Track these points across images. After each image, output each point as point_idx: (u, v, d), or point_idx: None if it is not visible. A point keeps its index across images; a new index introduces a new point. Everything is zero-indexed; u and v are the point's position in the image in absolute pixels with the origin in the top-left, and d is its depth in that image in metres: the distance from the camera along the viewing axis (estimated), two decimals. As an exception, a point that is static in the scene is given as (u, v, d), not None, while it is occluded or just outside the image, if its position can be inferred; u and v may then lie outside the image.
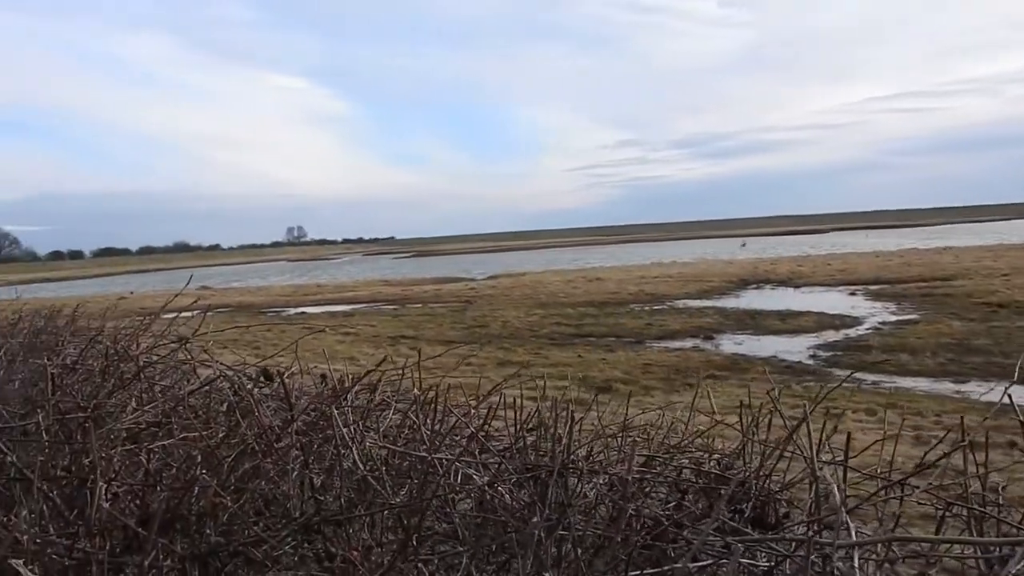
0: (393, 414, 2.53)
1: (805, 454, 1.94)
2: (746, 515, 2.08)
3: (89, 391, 2.80)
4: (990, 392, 13.36)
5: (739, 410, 2.48)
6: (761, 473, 2.21)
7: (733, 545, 1.58)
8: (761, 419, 2.44)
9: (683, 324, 23.42)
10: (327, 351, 21.91)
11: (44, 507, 2.03)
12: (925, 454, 2.20)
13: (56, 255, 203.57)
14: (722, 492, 2.19)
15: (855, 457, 2.17)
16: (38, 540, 1.71)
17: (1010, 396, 2.20)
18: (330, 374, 2.88)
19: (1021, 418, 1.99)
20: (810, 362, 17.15)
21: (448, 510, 2.22)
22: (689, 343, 20.47)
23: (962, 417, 2.35)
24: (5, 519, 1.87)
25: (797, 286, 34.23)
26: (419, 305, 35.05)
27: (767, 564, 1.75)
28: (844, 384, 14.27)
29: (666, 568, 1.75)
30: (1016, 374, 2.18)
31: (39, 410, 2.40)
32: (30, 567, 1.37)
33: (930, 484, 2.09)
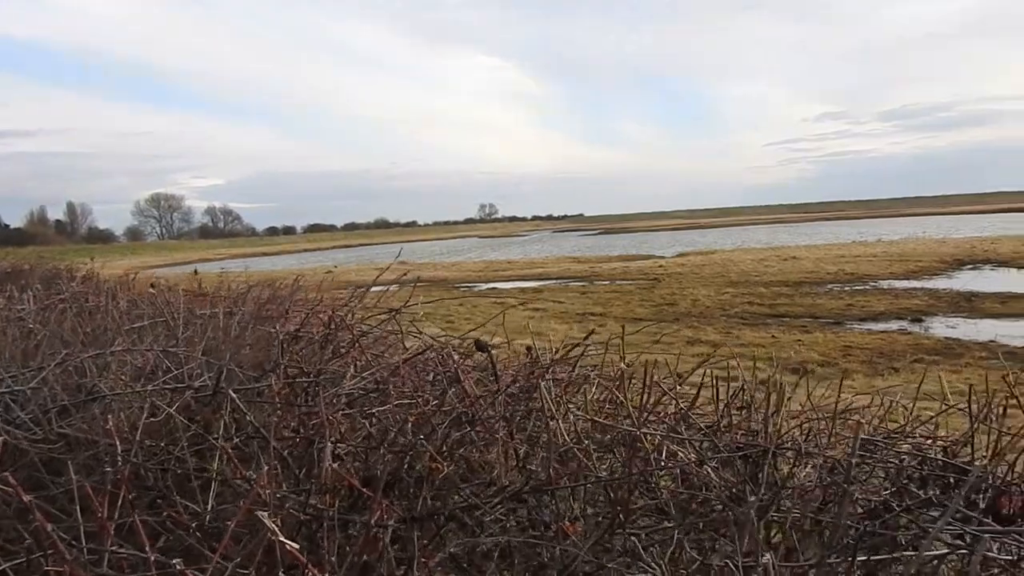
0: (595, 388, 2.55)
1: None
2: (980, 506, 1.93)
3: (313, 358, 3.01)
4: None
5: (967, 396, 2.29)
6: (996, 462, 2.04)
7: (979, 536, 1.47)
8: (994, 405, 2.24)
9: (888, 305, 22.01)
10: (522, 326, 22.47)
11: (278, 465, 2.21)
12: None
13: (272, 230, 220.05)
14: (955, 480, 2.05)
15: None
16: (278, 495, 1.87)
17: None
18: (534, 347, 2.94)
19: None
20: (1037, 349, 15.65)
21: (652, 485, 2.21)
22: (895, 325, 19.21)
23: None
24: (247, 474, 2.06)
25: (1021, 267, 31.23)
26: (607, 282, 35.03)
27: (1008, 558, 1.61)
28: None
29: (896, 555, 1.66)
30: None
31: (271, 374, 2.61)
32: (273, 520, 1.49)
33: None
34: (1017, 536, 1.59)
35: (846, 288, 26.95)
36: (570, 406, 2.48)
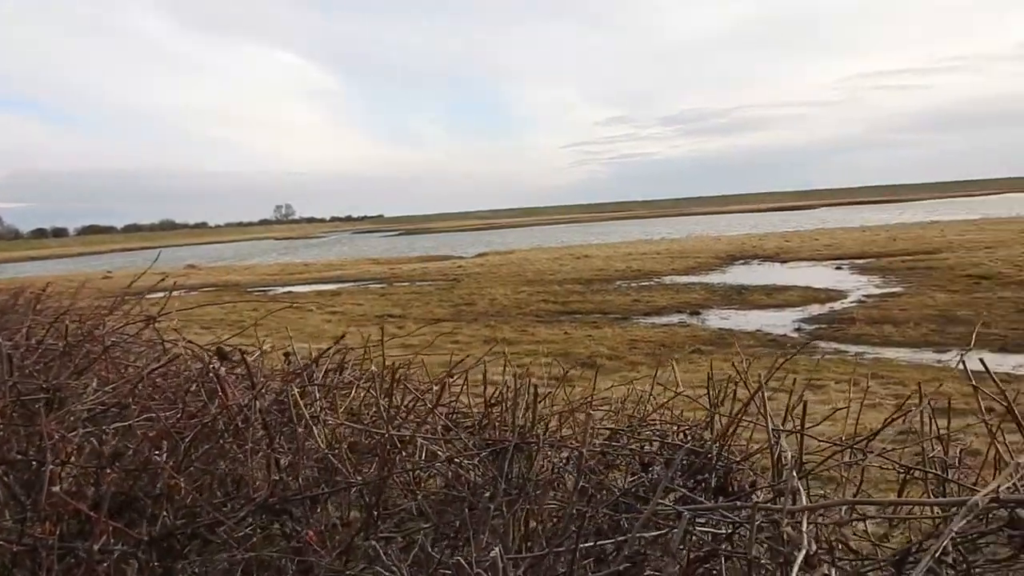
0: (357, 392, 2.51)
1: (765, 424, 1.93)
2: (712, 485, 2.08)
3: (53, 372, 2.76)
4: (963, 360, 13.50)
5: (707, 383, 2.46)
6: (724, 443, 2.20)
7: (683, 513, 1.57)
8: (728, 391, 2.43)
9: (670, 300, 23.46)
10: (319, 330, 21.92)
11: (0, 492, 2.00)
12: (887, 421, 2.19)
13: (39, 232, 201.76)
14: (674, 461, 2.18)
15: (816, 425, 2.17)
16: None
17: (964, 363, 2.19)
18: (294, 352, 2.85)
19: (973, 382, 1.98)
20: (795, 335, 17.22)
21: (414, 488, 2.20)
22: (676, 319, 20.51)
23: (919, 384, 2.35)
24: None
25: (784, 261, 34.32)
26: (407, 283, 34.96)
27: (725, 532, 1.74)
28: (827, 355, 14.29)
29: (621, 538, 1.74)
30: (972, 340, 2.16)
31: (-4, 392, 2.35)
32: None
33: (885, 449, 2.09)
34: (724, 512, 1.72)
35: (633, 285, 28.45)
36: (330, 411, 2.42)
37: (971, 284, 22.34)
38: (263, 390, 2.35)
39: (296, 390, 2.21)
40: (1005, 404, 1.80)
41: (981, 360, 2.23)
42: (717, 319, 20.12)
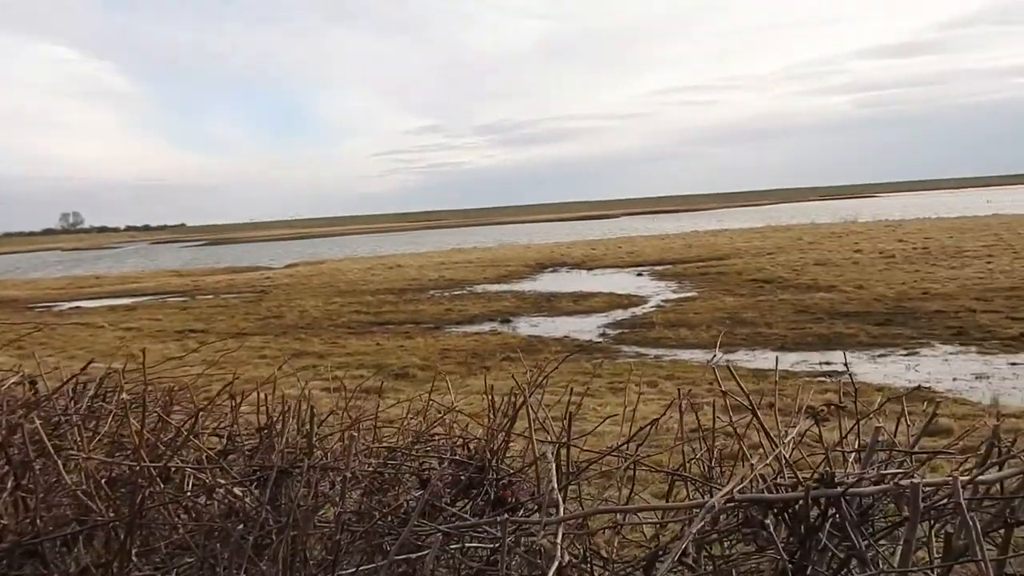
0: (113, 419, 2.31)
1: (530, 434, 1.96)
2: (490, 499, 2.08)
3: None
4: (754, 360, 14.59)
5: (486, 396, 2.47)
6: (500, 456, 2.21)
7: (433, 532, 1.56)
8: (512, 403, 2.44)
9: (482, 308, 23.75)
10: (111, 348, 20.38)
11: None
12: (649, 426, 2.28)
13: None
14: (471, 478, 2.17)
15: (597, 426, 2.23)
16: None
17: (716, 367, 2.32)
18: (42, 377, 2.58)
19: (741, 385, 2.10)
20: (600, 340, 17.91)
21: (179, 521, 2.05)
22: (487, 327, 20.79)
23: (689, 388, 2.47)
24: None
25: (590, 269, 35.69)
26: (211, 296, 33.34)
27: (487, 547, 1.74)
28: (629, 359, 14.90)
29: (382, 562, 1.70)
30: (717, 343, 2.29)
31: None
32: None
33: (648, 455, 2.18)
34: (488, 528, 1.72)
35: (446, 293, 28.59)
36: (91, 440, 2.22)
37: (756, 288, 24.16)
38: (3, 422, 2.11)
39: (38, 421, 2.00)
40: (750, 407, 1.91)
41: (728, 364, 2.37)
42: (527, 326, 20.59)
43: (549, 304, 24.08)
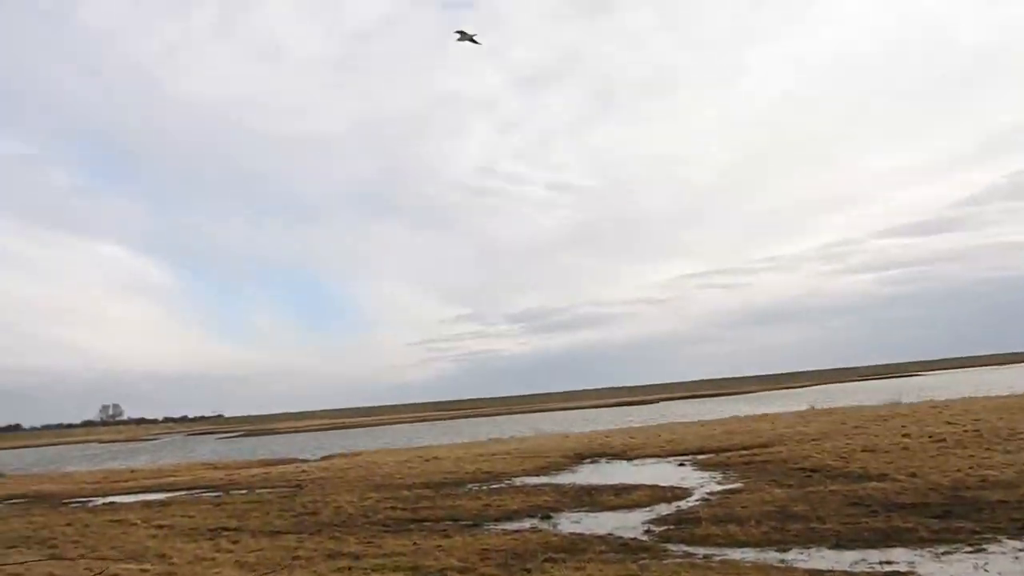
0: None
1: None
2: None
3: None
4: (808, 560, 13.83)
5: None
6: None
7: None
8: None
9: (521, 503, 23.09)
10: (142, 548, 19.91)
11: None
12: None
13: None
14: None
15: None
16: None
17: None
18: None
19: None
20: (645, 538, 17.20)
21: None
22: (527, 524, 20.13)
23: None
24: None
25: (630, 459, 34.86)
26: (245, 491, 32.97)
27: None
28: (677, 559, 14.22)
29: None
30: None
31: None
32: None
33: None
34: None
35: (484, 487, 27.97)
36: None
37: (803, 478, 23.32)
38: None
39: None
40: None
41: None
42: (569, 523, 19.91)
43: (590, 498, 23.37)
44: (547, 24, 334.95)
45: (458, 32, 30.31)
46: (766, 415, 57.43)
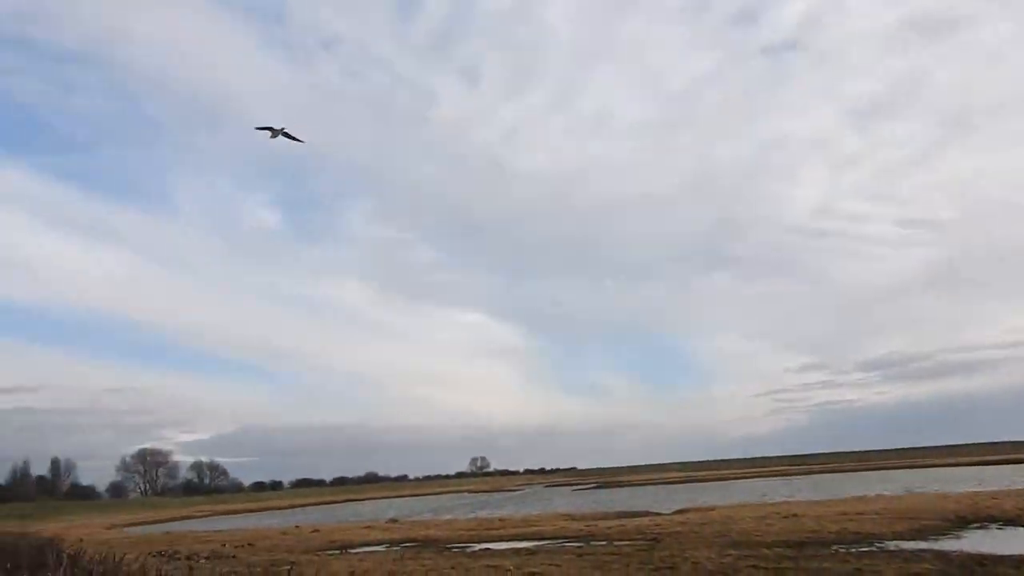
0: None
1: None
2: None
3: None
4: None
5: None
6: None
7: None
8: None
9: (897, 571, 21.11)
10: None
11: None
12: None
13: (258, 485, 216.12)
14: None
15: None
16: None
17: None
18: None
19: None
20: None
21: None
22: (907, 593, 18.38)
23: None
24: None
25: (1027, 525, 30.46)
26: (604, 542, 33.84)
27: None
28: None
29: None
30: None
31: None
32: None
33: None
34: None
35: (851, 549, 26.05)
36: None
37: None
38: None
39: None
40: None
41: None
42: (959, 598, 17.86)
43: (983, 569, 20.73)
44: (882, 53, 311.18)
45: (265, 128, 26.71)
46: None
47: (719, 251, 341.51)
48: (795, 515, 39.30)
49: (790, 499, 56.27)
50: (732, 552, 26.82)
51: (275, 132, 26.42)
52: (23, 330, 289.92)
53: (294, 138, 27.06)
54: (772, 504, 52.16)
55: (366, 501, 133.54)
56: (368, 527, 53.35)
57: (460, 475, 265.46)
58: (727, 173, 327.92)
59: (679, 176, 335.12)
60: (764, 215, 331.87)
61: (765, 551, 26.54)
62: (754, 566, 23.53)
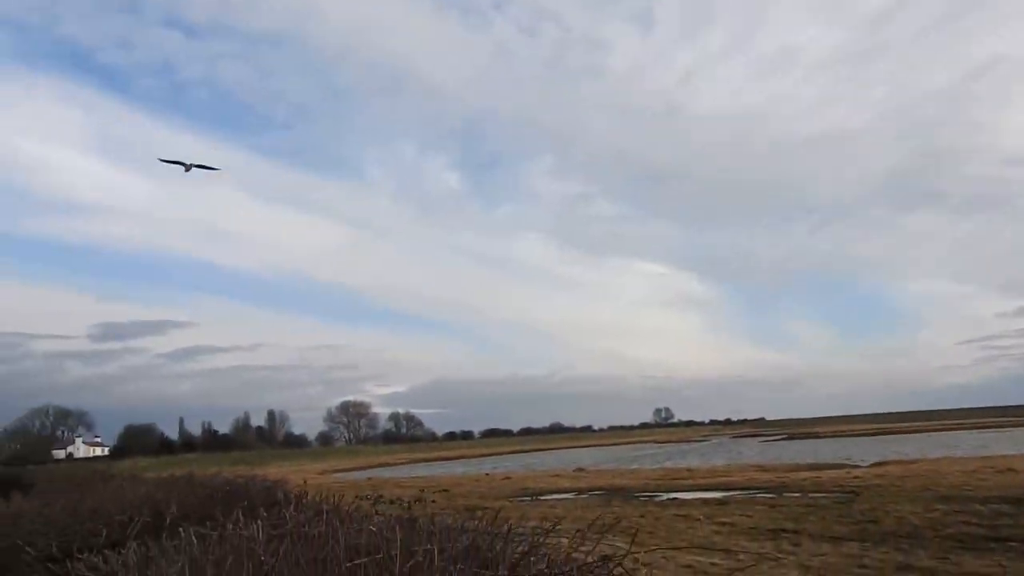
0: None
1: None
2: None
3: None
4: None
5: None
6: None
7: None
8: None
9: None
10: (703, 541, 21.19)
11: None
12: None
13: (451, 435, 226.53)
14: None
15: None
16: None
17: None
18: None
19: None
20: None
21: None
22: None
23: None
24: None
25: None
26: (798, 494, 32.79)
27: None
28: None
29: None
30: None
31: None
32: None
33: None
34: None
35: (1081, 507, 23.84)
36: None
37: None
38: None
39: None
40: None
41: None
42: None
43: None
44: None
45: (174, 162, 24.91)
46: None
47: (922, 187, 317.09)
48: (1011, 469, 36.41)
49: (1006, 453, 52.18)
50: (940, 507, 25.25)
51: (187, 167, 25.80)
52: (241, 295, 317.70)
53: (209, 167, 26.52)
54: (984, 457, 48.63)
55: (552, 451, 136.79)
56: (556, 475, 54.56)
57: (644, 426, 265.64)
58: (930, 102, 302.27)
59: (873, 108, 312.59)
60: (974, 146, 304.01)
61: (978, 507, 24.77)
62: (966, 522, 22.04)
